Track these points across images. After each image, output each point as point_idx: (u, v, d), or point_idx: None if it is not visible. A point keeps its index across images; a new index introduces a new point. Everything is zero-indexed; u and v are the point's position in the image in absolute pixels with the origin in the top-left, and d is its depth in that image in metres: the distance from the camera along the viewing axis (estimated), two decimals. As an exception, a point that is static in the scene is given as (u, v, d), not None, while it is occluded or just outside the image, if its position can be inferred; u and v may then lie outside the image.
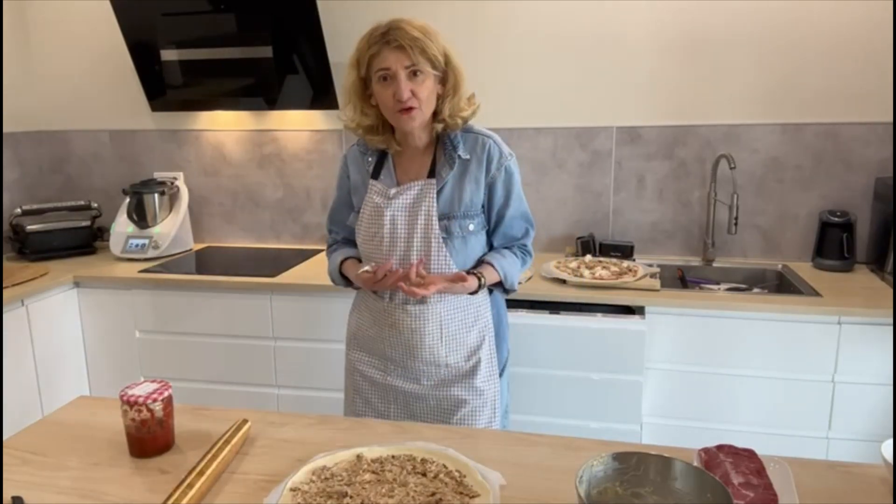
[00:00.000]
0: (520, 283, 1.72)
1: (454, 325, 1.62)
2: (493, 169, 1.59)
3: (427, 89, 1.50)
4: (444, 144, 1.60)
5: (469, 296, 1.62)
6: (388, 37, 1.47)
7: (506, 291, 1.70)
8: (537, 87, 2.69)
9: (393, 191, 1.59)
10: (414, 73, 1.48)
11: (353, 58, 1.54)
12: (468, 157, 1.59)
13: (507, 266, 1.63)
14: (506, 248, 1.68)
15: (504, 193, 1.62)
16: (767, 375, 2.13)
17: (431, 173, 1.59)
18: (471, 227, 1.60)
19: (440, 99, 1.56)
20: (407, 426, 1.34)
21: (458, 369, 1.63)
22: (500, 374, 1.72)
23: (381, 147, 1.63)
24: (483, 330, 1.67)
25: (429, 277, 1.51)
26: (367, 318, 1.69)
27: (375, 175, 1.64)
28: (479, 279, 1.56)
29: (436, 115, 1.57)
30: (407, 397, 1.66)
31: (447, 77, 1.55)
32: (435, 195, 1.57)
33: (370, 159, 1.66)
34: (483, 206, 1.62)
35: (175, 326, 2.56)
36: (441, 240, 1.56)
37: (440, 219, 1.57)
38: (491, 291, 1.69)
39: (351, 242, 1.76)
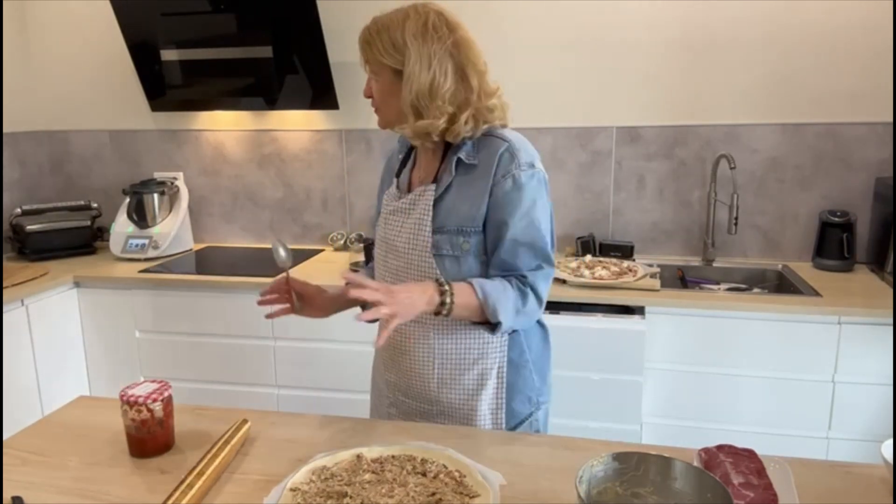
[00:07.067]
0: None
1: (451, 360, 1.39)
2: (497, 176, 1.32)
3: (375, 88, 1.37)
4: (452, 146, 1.39)
5: (473, 327, 1.37)
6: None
7: (492, 327, 1.31)
8: (537, 87, 2.69)
9: (400, 194, 1.46)
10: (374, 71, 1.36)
11: None
12: (474, 161, 1.34)
13: (492, 290, 1.28)
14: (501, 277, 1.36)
15: (505, 209, 1.31)
16: (767, 375, 2.13)
17: (436, 178, 1.39)
18: (465, 245, 1.34)
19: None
20: (407, 426, 1.34)
21: (454, 409, 1.41)
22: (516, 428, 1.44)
23: (413, 142, 1.45)
24: (485, 373, 1.39)
25: (356, 281, 1.20)
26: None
27: (399, 174, 1.50)
28: (443, 288, 1.24)
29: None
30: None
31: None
32: (430, 204, 1.36)
33: (400, 156, 1.52)
34: (484, 225, 1.35)
35: (175, 326, 2.56)
36: (430, 256, 1.34)
37: (433, 232, 1.35)
38: (493, 328, 1.32)
39: None
